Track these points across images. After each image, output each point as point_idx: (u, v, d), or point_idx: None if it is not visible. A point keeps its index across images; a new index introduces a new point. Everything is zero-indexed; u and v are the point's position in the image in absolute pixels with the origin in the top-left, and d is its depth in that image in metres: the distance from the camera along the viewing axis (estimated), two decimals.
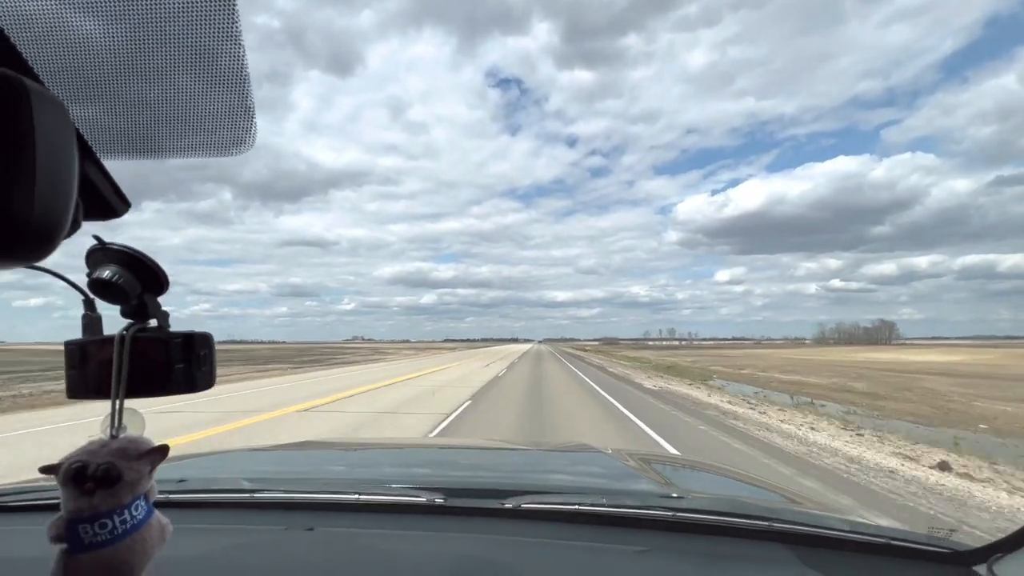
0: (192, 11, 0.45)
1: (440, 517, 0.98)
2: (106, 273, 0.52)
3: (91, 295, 0.54)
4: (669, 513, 0.94)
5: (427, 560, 0.78)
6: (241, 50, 0.48)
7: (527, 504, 0.98)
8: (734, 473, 1.84)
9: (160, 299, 0.56)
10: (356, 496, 1.02)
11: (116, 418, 0.53)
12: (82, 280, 0.54)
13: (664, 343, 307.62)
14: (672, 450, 7.16)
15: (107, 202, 0.53)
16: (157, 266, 0.55)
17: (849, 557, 0.83)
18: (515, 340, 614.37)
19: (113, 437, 0.53)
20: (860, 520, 1.00)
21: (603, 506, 0.98)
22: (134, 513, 0.51)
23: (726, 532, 0.90)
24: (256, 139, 0.54)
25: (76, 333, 0.56)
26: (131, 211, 0.49)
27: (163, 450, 0.54)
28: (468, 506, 1.01)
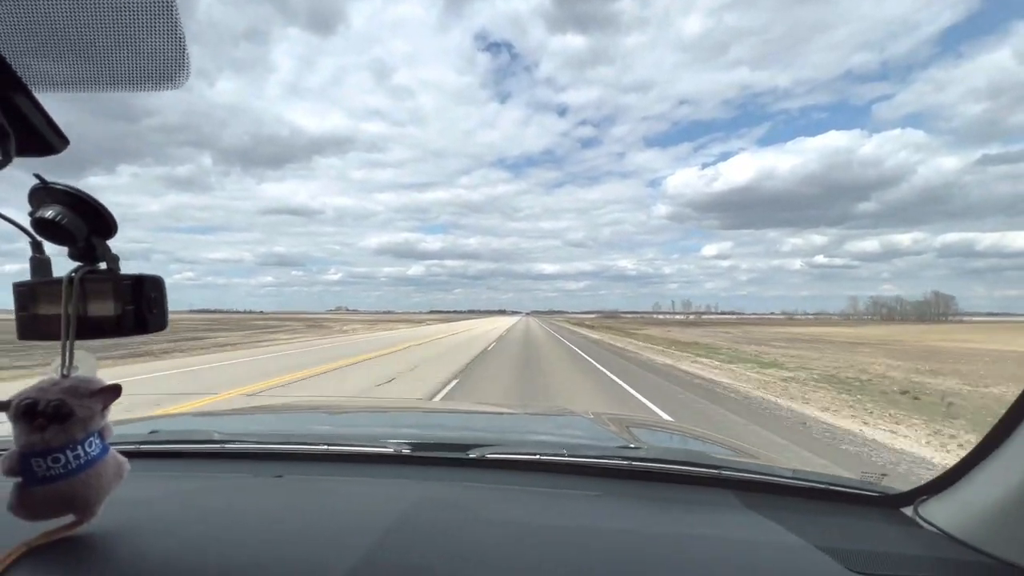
0: None
1: (406, 466, 1.03)
2: (49, 213, 0.51)
3: (36, 236, 0.54)
4: (624, 462, 1.00)
5: (392, 503, 0.81)
6: None
7: (490, 455, 1.04)
8: (703, 434, 1.87)
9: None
10: (325, 447, 1.07)
11: (67, 358, 0.54)
12: (26, 221, 0.53)
13: (676, 317, 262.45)
14: None
15: (42, 137, 0.51)
16: (103, 208, 0.54)
17: (790, 501, 0.90)
18: (502, 312, 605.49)
19: (64, 376, 0.54)
20: (802, 469, 1.06)
21: (562, 456, 1.03)
22: (88, 449, 0.53)
23: (678, 480, 0.97)
24: (190, 72, 0.53)
25: None
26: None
27: (115, 389, 0.55)
28: (433, 456, 1.06)
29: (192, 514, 0.74)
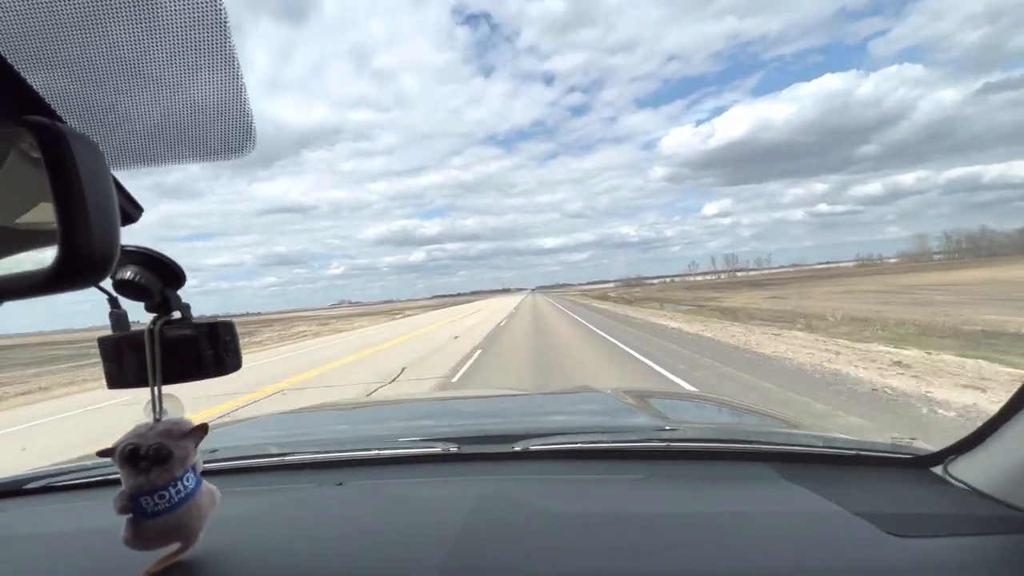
0: (184, 27, 0.48)
1: (456, 463, 1.08)
2: (128, 273, 0.58)
3: (115, 294, 0.59)
4: (662, 444, 1.04)
5: (448, 502, 0.86)
6: (235, 61, 0.51)
7: (534, 446, 1.07)
8: (726, 402, 1.94)
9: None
10: (377, 451, 1.12)
11: (157, 403, 0.60)
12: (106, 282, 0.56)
13: (721, 277, 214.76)
14: None
15: (123, 211, 0.56)
16: (173, 262, 0.60)
17: (824, 469, 0.93)
18: (507, 291, 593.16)
19: (157, 420, 0.60)
20: (832, 436, 1.11)
21: (603, 443, 1.09)
22: (186, 484, 0.60)
23: (713, 456, 1.01)
24: (257, 142, 0.57)
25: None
26: None
27: (203, 428, 0.62)
28: (480, 452, 1.10)
29: (277, 531, 0.79)
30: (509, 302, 68.94)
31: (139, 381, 0.59)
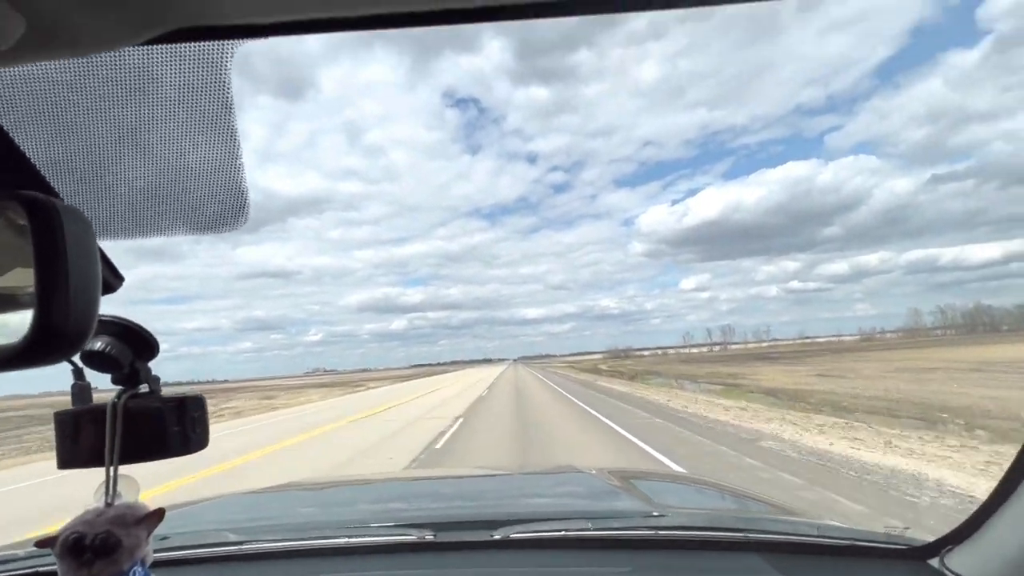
0: (185, 108, 0.47)
1: (432, 553, 1.01)
2: (99, 344, 0.54)
3: (81, 365, 0.55)
4: (651, 532, 0.99)
5: None
6: (236, 137, 0.50)
7: (515, 534, 1.01)
8: (714, 484, 1.84)
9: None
10: (345, 540, 1.03)
11: (111, 485, 0.53)
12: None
13: (716, 350, 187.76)
14: None
15: (104, 281, 0.52)
16: (148, 333, 0.56)
17: (817, 560, 0.91)
18: (488, 361, 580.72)
19: (108, 505, 0.53)
20: (826, 523, 1.07)
21: (588, 530, 1.02)
22: None
23: (705, 546, 0.96)
24: (250, 216, 0.55)
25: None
26: None
27: (159, 514, 0.54)
28: (458, 540, 1.03)
29: None
30: (487, 374, 60.23)
31: (94, 460, 0.54)
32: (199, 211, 0.55)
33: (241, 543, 1.04)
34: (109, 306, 0.53)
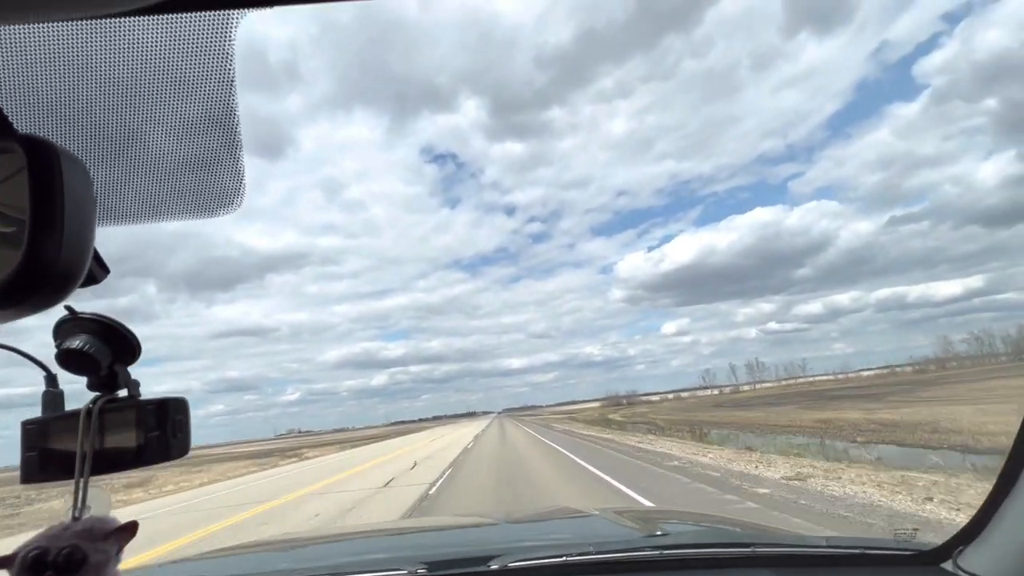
0: (187, 82, 0.45)
1: None
2: (76, 343, 0.49)
3: (53, 370, 0.52)
4: (656, 552, 0.95)
5: None
6: (235, 115, 0.48)
7: (514, 563, 0.95)
8: (712, 516, 1.87)
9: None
10: None
11: (80, 498, 0.48)
12: (39, 354, 0.49)
13: (743, 390, 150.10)
14: None
15: (89, 271, 0.48)
16: (129, 332, 0.52)
17: (830, 572, 0.89)
18: (472, 414, 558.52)
19: (76, 519, 0.48)
20: (832, 535, 1.04)
21: (590, 554, 0.96)
22: None
23: (714, 564, 0.93)
24: (245, 199, 0.53)
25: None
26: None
27: (132, 528, 0.49)
28: (452, 574, 0.97)
29: None
30: (466, 432, 48.61)
31: (63, 472, 0.49)
32: (193, 193, 0.52)
33: None
34: (90, 303, 0.50)
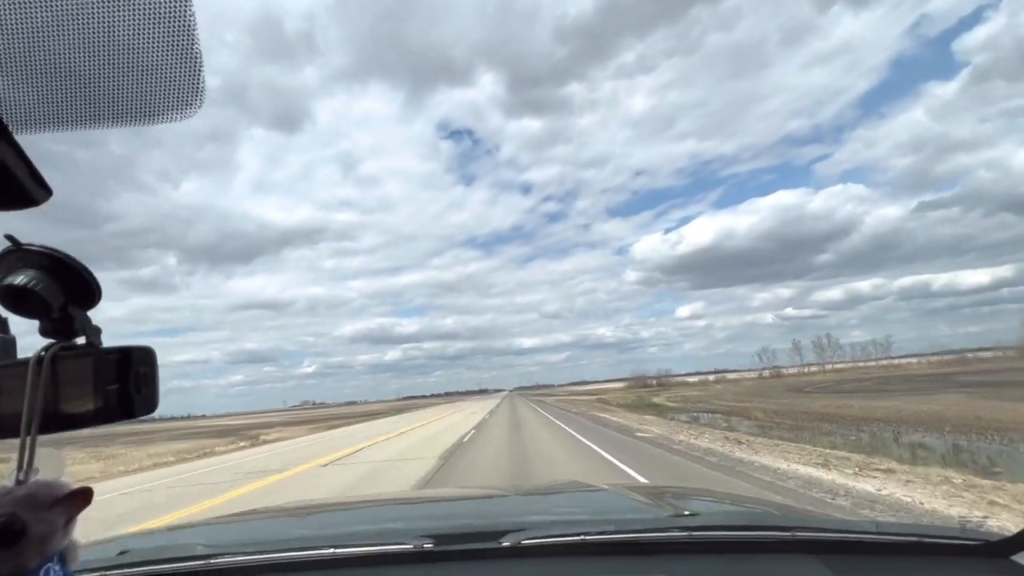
0: None
1: (432, 564, 0.89)
2: (20, 279, 0.42)
3: (3, 313, 0.45)
4: (684, 533, 0.87)
5: None
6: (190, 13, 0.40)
7: (527, 540, 0.89)
8: (738, 496, 1.72)
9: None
10: (332, 550, 0.90)
11: (26, 458, 0.41)
12: None
13: (809, 371, 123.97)
14: None
15: (22, 187, 0.42)
16: (86, 270, 0.45)
17: (879, 560, 0.80)
18: (483, 392, 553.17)
19: (20, 482, 0.41)
20: (885, 521, 0.96)
21: (611, 533, 0.89)
22: None
23: (746, 548, 0.85)
24: (205, 98, 0.45)
25: None
26: None
27: (84, 494, 0.42)
28: (461, 549, 0.91)
29: None
30: (482, 408, 37.17)
31: (9, 429, 0.42)
32: (142, 95, 0.44)
33: (210, 556, 0.90)
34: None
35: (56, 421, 0.43)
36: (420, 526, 1.22)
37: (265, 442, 26.11)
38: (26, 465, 0.41)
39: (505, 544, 0.87)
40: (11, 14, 0.38)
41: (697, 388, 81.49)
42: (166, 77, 0.42)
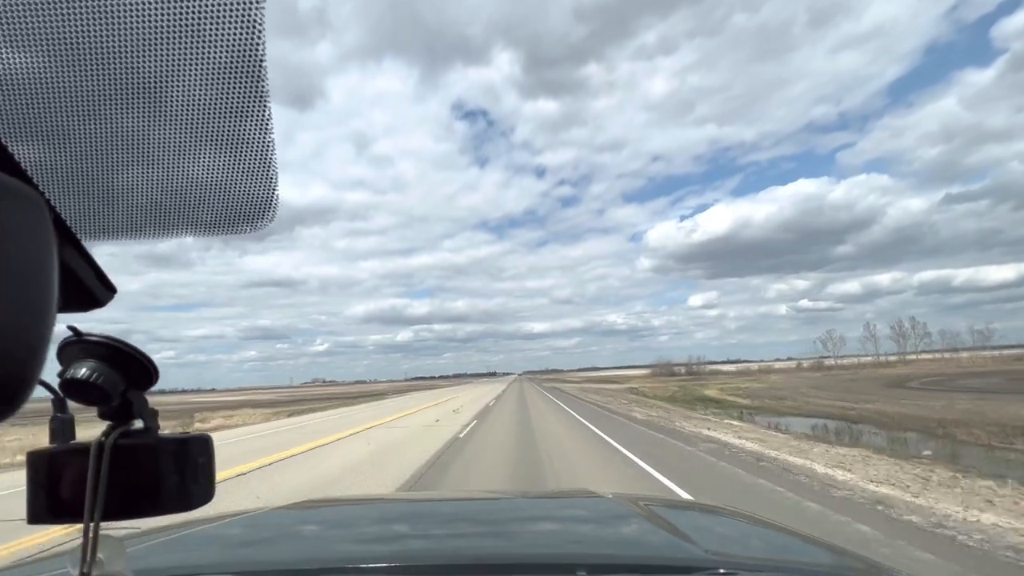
0: (208, 81, 0.37)
1: None
2: (83, 371, 0.42)
3: (61, 394, 0.44)
4: None
5: None
6: (267, 117, 0.39)
7: None
8: (754, 518, 1.58)
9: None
10: None
11: (90, 547, 0.42)
12: (49, 376, 0.41)
13: (887, 364, 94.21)
14: None
15: (88, 291, 0.43)
16: (145, 356, 0.44)
17: None
18: (492, 375, 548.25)
19: (85, 574, 0.41)
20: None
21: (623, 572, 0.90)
22: None
23: None
24: (277, 212, 0.45)
25: None
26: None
27: None
28: None
29: None
30: (489, 392, 27.77)
31: (73, 513, 0.42)
32: (215, 208, 0.44)
33: None
34: (95, 323, 0.43)
35: (116, 508, 0.42)
36: (442, 547, 1.21)
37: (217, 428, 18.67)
38: (91, 555, 0.41)
39: None
40: (89, 128, 0.37)
41: (746, 378, 67.81)
42: (242, 195, 0.42)
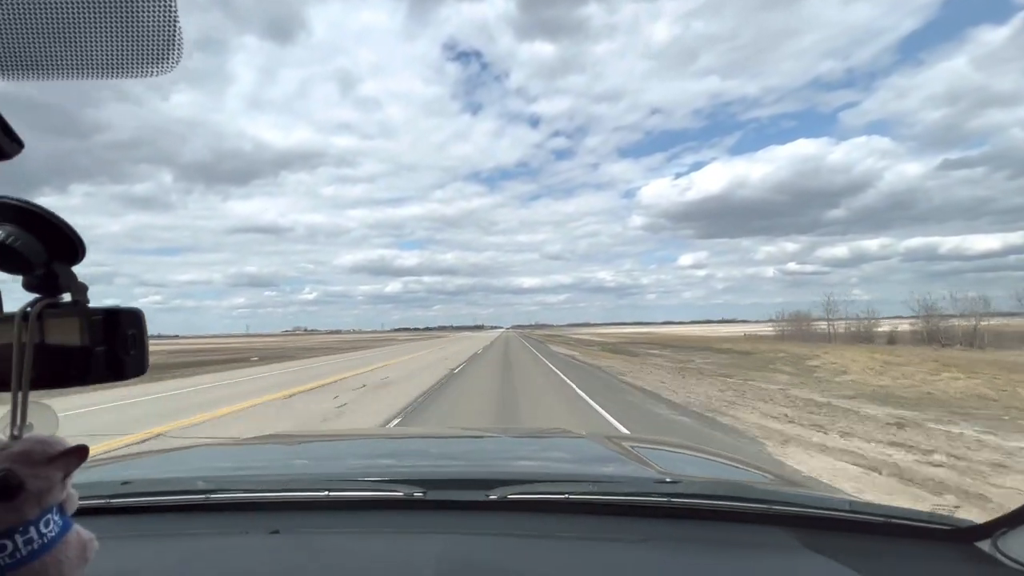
0: None
1: (418, 512, 0.92)
2: None
3: None
4: (663, 499, 0.90)
5: (405, 560, 0.73)
6: None
7: (513, 495, 0.93)
8: (719, 455, 1.76)
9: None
10: (326, 493, 0.94)
11: (19, 414, 0.43)
12: None
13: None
14: None
15: None
16: (67, 226, 0.44)
17: (850, 538, 0.83)
18: (480, 327, 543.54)
19: (15, 438, 0.42)
20: (860, 500, 0.98)
21: (594, 494, 0.93)
22: (43, 530, 0.41)
23: (724, 517, 0.89)
24: (181, 55, 0.43)
25: None
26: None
27: (80, 452, 0.43)
28: (449, 499, 0.94)
29: None
30: (474, 344, 18.58)
31: (1, 384, 0.43)
32: (112, 44, 0.42)
33: (209, 492, 0.92)
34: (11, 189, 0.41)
35: (45, 378, 0.43)
36: (416, 466, 1.31)
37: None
38: (20, 421, 0.42)
39: (492, 497, 0.90)
40: None
41: (779, 339, 41.62)
42: (141, 30, 0.40)
